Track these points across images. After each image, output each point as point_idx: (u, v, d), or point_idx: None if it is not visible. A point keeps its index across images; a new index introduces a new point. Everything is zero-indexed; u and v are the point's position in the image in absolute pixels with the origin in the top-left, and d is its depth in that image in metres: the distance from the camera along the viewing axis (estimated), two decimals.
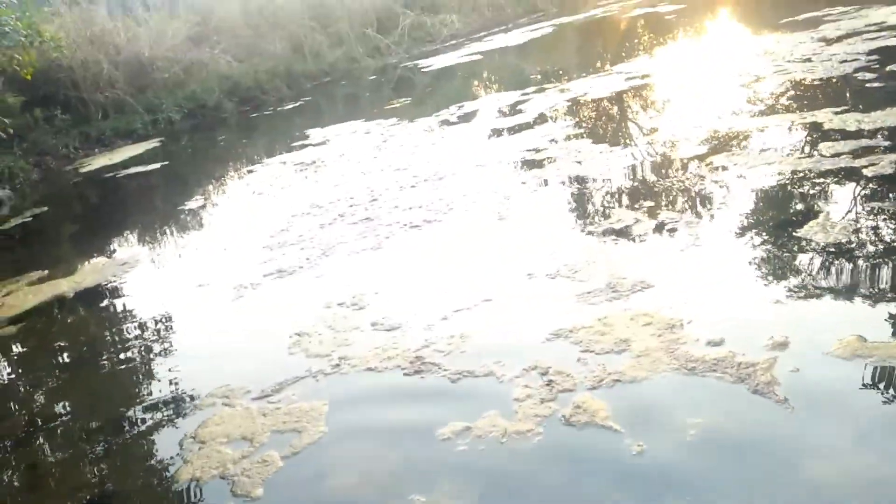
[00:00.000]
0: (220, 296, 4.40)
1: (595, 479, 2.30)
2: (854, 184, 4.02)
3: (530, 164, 5.90)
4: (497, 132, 7.36)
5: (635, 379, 2.71)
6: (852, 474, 2.10)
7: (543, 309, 3.42)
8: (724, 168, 4.75)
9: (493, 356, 3.07)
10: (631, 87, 8.06)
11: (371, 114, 10.07)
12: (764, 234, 3.75)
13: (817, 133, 5.00)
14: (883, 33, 7.56)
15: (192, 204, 7.01)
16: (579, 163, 5.70)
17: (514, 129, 7.28)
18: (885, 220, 3.55)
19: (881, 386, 2.37)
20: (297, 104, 12.77)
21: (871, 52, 6.86)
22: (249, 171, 8.06)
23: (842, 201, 3.85)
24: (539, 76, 10.30)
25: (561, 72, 10.36)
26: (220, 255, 5.34)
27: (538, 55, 13.54)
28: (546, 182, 5.38)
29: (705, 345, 2.82)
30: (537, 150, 6.23)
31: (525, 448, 2.47)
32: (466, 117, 8.61)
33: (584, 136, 6.52)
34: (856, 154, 4.37)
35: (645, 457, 2.30)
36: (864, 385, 2.39)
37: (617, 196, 4.80)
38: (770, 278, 3.24)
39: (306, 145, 8.62)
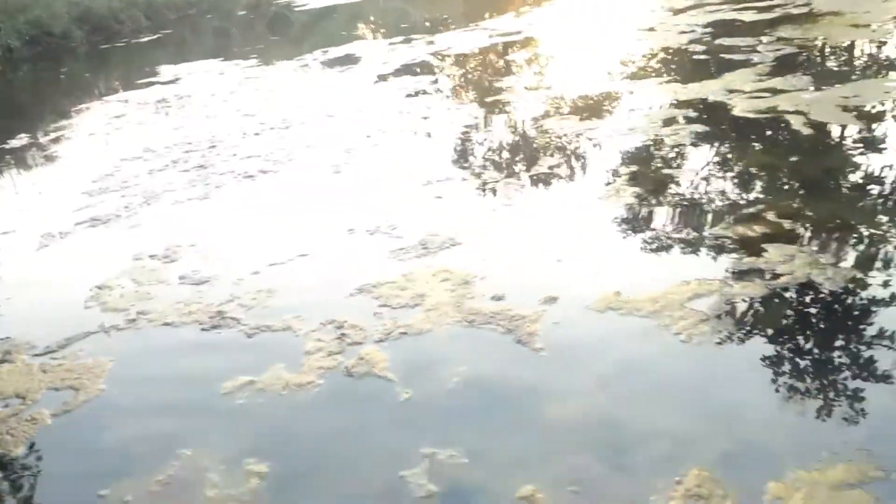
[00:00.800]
0: (24, 244, 4.12)
1: (363, 425, 2.41)
2: (656, 153, 4.35)
3: (379, 118, 5.88)
4: (355, 82, 7.24)
5: (421, 331, 2.84)
6: (587, 415, 2.34)
7: (355, 264, 3.48)
8: (554, 132, 4.97)
9: (294, 311, 3.10)
10: (492, 44, 8.16)
11: (232, 53, 9.58)
12: (570, 196, 3.99)
13: (641, 101, 5.32)
14: (722, 6, 8.08)
15: (14, 142, 6.42)
16: (426, 118, 5.76)
17: (373, 80, 7.19)
18: (671, 189, 3.87)
19: (623, 335, 2.64)
20: (155, 37, 11.90)
21: (707, 25, 7.34)
22: (86, 109, 7.47)
23: (640, 170, 4.16)
24: (414, 25, 10.18)
25: (440, 22, 10.29)
26: (34, 200, 4.96)
27: (423, 1, 13.33)
28: (389, 137, 5.39)
29: (490, 299, 2.99)
30: (389, 104, 6.21)
31: (302, 399, 2.54)
32: (329, 63, 8.40)
33: (439, 91, 6.56)
34: (666, 122, 4.72)
35: (410, 402, 2.44)
36: (608, 335, 2.66)
37: (454, 154, 4.90)
38: (562, 239, 3.46)
39: (154, 83, 8.09)
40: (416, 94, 6.42)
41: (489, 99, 6.07)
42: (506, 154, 4.76)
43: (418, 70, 7.54)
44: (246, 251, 3.75)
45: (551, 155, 4.57)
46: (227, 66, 8.58)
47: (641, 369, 2.48)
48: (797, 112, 4.45)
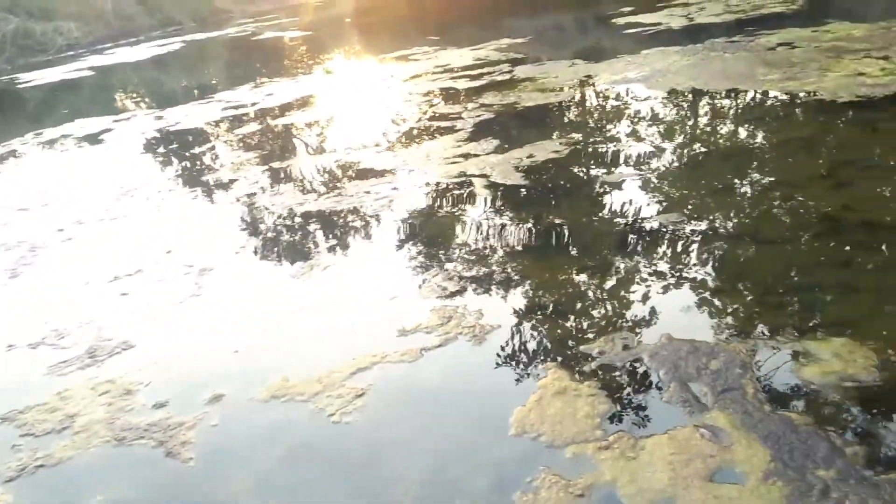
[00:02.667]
0: None
1: None
2: (340, 226, 4.49)
3: (72, 207, 5.39)
4: (70, 163, 6.62)
5: (61, 461, 2.54)
6: None
7: (2, 387, 3.05)
8: (268, 209, 4.92)
9: None
10: (224, 117, 8.01)
11: None
12: (260, 278, 3.93)
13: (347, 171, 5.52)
14: (443, 75, 8.80)
15: None
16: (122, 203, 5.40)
17: (92, 164, 6.63)
18: (350, 264, 4.00)
19: (283, 424, 2.59)
20: None
21: (428, 91, 7.91)
22: None
23: (334, 244, 4.25)
24: (142, 99, 9.66)
25: (166, 95, 9.88)
26: None
27: (160, 73, 12.75)
28: (84, 223, 4.96)
29: (151, 408, 2.78)
30: (117, 191, 5.74)
31: None
32: (42, 145, 7.61)
33: (159, 172, 6.23)
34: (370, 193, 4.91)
35: None
36: (269, 426, 2.59)
37: (144, 241, 4.62)
38: (245, 326, 3.37)
39: None
40: (135, 170, 6.03)
41: (214, 184, 5.88)
42: (193, 243, 4.59)
43: (141, 148, 7.11)
44: None
45: (248, 238, 4.50)
46: None
47: (299, 458, 2.44)
48: (482, 175, 4.89)
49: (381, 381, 2.76)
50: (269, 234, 4.47)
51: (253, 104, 8.45)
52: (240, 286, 3.78)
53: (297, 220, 4.64)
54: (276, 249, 4.22)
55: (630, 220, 3.94)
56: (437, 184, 4.86)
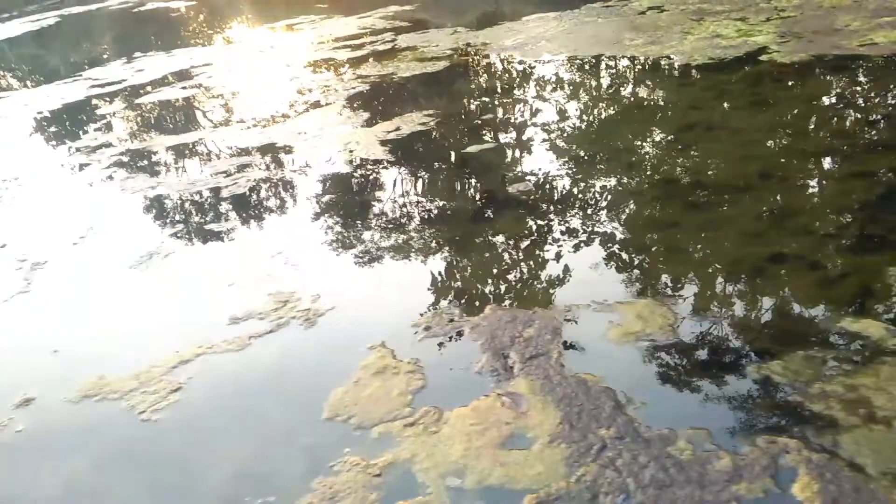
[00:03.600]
0: None
1: None
2: (197, 209, 4.32)
3: None
4: None
5: None
6: None
7: None
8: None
9: None
10: (88, 96, 7.51)
11: None
12: (104, 270, 3.74)
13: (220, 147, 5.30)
14: (324, 45, 8.54)
15: None
16: None
17: None
18: (198, 251, 3.86)
19: (94, 425, 2.48)
20: None
21: (308, 63, 7.67)
22: None
23: (177, 231, 4.08)
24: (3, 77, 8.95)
25: (32, 74, 9.18)
26: None
27: (32, 49, 11.84)
28: None
29: None
30: None
31: None
32: None
33: None
34: (227, 173, 4.73)
35: None
36: (78, 428, 2.47)
37: None
38: (73, 323, 3.20)
39: None
40: None
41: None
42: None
43: None
44: None
45: (89, 228, 4.26)
46: None
47: (106, 460, 2.34)
48: (347, 149, 4.79)
49: (203, 373, 2.68)
50: (112, 223, 4.24)
51: (122, 81, 7.96)
52: (73, 280, 3.57)
53: (145, 206, 4.42)
54: (117, 239, 4.01)
55: (480, 192, 3.97)
56: (300, 163, 4.73)
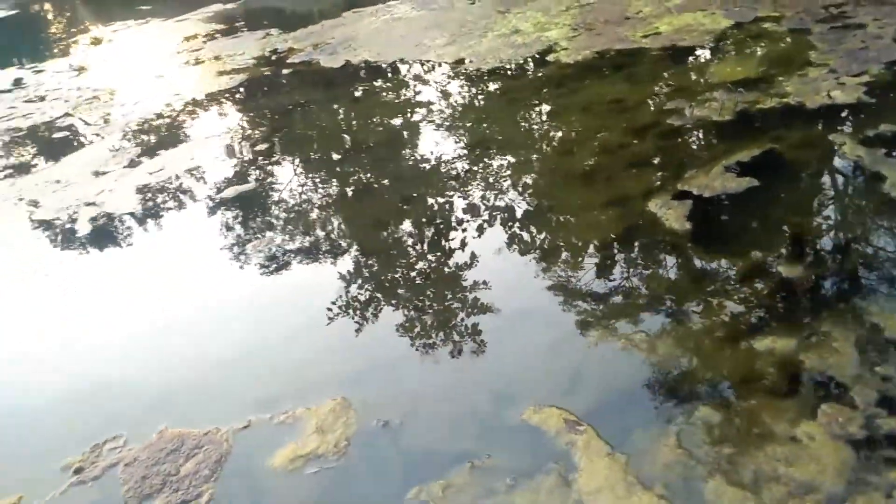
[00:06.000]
0: None
1: None
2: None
3: None
4: None
5: None
6: None
7: None
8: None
9: None
10: None
11: None
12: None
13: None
14: (123, 62, 7.78)
15: None
16: None
17: None
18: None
19: None
20: None
21: (97, 88, 6.92)
22: None
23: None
24: None
25: None
26: None
27: None
28: None
29: None
30: None
31: None
32: None
33: None
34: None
35: None
36: None
37: None
38: None
39: None
40: None
41: None
42: None
43: None
44: None
45: None
46: None
47: None
48: (93, 203, 4.26)
49: None
50: None
51: None
52: None
53: None
54: None
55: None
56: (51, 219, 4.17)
